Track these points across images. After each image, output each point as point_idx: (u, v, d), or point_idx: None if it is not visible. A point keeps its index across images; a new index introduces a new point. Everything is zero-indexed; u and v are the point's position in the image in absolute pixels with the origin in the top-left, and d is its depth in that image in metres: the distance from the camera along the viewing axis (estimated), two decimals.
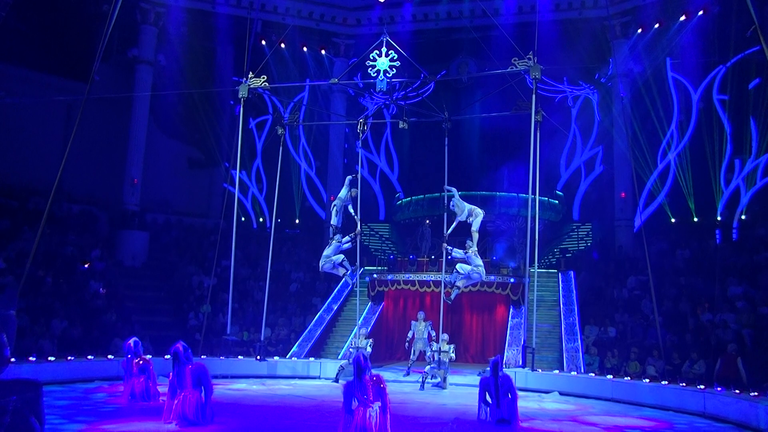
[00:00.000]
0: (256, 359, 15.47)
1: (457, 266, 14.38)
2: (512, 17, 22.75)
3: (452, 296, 14.46)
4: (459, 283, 14.30)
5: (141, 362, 10.95)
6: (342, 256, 14.78)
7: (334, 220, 14.98)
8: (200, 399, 8.68)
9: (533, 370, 14.24)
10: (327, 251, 14.80)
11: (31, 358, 12.77)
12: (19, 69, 21.56)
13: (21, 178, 20.90)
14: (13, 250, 17.78)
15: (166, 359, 11.66)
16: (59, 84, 21.99)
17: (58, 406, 9.97)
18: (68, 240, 19.83)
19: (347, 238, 14.94)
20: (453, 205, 14.54)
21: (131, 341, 11.28)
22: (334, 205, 15.07)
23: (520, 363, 15.68)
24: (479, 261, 14.22)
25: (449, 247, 14.55)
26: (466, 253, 14.23)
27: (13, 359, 11.64)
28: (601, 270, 21.06)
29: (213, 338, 17.76)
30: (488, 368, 10.15)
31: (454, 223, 14.57)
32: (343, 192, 15.07)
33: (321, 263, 14.92)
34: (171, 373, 8.95)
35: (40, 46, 21.58)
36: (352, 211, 15.07)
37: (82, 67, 20.22)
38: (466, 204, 14.52)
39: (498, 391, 9.73)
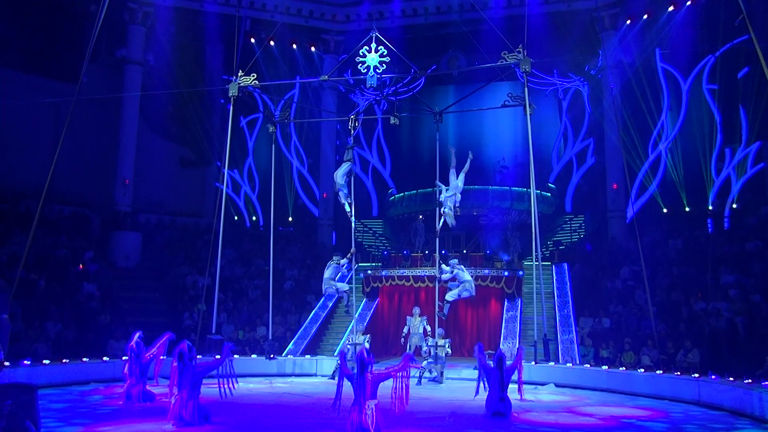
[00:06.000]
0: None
1: (447, 296, 14.43)
2: (501, 10, 22.74)
3: (445, 311, 14.54)
4: (449, 297, 14.40)
5: (149, 356, 11.03)
6: (347, 286, 14.80)
7: (343, 199, 14.61)
8: (197, 399, 8.65)
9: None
10: (327, 273, 14.72)
11: (26, 362, 12.69)
12: (6, 71, 21.40)
13: (11, 181, 20.76)
14: (4, 253, 17.68)
15: (163, 359, 11.69)
16: (48, 86, 21.85)
17: (54, 410, 9.94)
18: (60, 242, 19.73)
19: (345, 261, 14.87)
20: (443, 197, 14.58)
21: (134, 342, 11.20)
22: (337, 185, 14.62)
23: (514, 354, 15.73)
24: (467, 276, 14.35)
25: (440, 276, 14.58)
26: (452, 271, 14.27)
27: (7, 363, 11.62)
28: (594, 261, 21.14)
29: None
30: (491, 361, 10.17)
31: (442, 197, 14.57)
32: (341, 169, 14.62)
33: (324, 287, 14.92)
34: (172, 372, 8.88)
35: (27, 48, 21.44)
36: (347, 203, 14.71)
37: (70, 69, 20.11)
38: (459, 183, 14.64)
39: (503, 383, 9.76)
